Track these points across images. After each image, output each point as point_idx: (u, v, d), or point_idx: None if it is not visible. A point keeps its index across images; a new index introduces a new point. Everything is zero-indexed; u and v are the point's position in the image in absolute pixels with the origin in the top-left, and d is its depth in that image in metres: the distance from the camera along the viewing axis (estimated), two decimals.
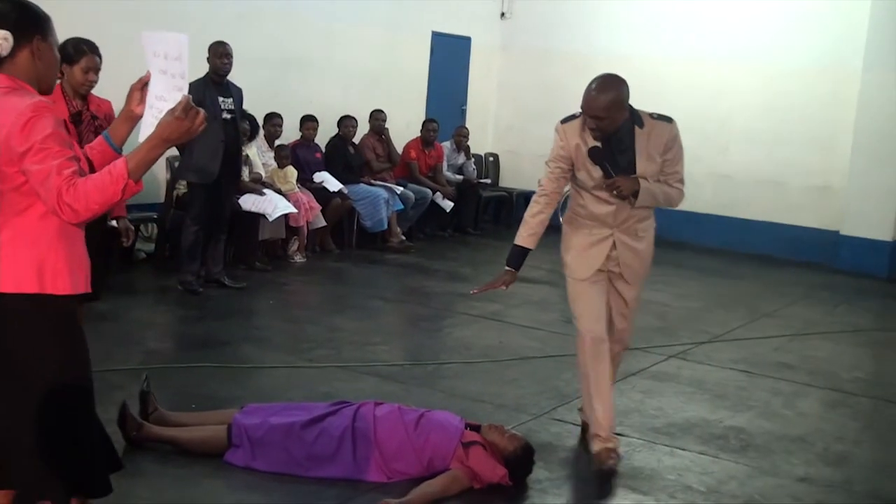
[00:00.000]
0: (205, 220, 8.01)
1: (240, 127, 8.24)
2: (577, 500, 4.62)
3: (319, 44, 11.21)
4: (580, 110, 4.67)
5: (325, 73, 11.27)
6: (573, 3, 13.63)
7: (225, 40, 8.02)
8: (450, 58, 13.41)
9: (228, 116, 7.95)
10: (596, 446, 4.76)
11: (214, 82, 7.91)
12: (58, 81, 5.44)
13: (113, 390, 5.15)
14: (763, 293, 10.15)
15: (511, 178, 14.02)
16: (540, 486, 4.54)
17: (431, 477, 4.32)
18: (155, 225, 9.11)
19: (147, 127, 2.94)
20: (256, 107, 9.21)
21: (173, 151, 8.31)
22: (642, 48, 13.04)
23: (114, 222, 5.72)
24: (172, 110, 2.81)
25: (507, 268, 4.91)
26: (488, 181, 13.32)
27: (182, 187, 8.63)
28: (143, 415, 4.60)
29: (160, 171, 9.30)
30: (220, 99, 7.89)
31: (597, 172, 4.71)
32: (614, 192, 4.65)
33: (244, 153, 8.75)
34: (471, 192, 12.51)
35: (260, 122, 9.59)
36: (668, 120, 4.80)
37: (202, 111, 2.86)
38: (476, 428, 4.58)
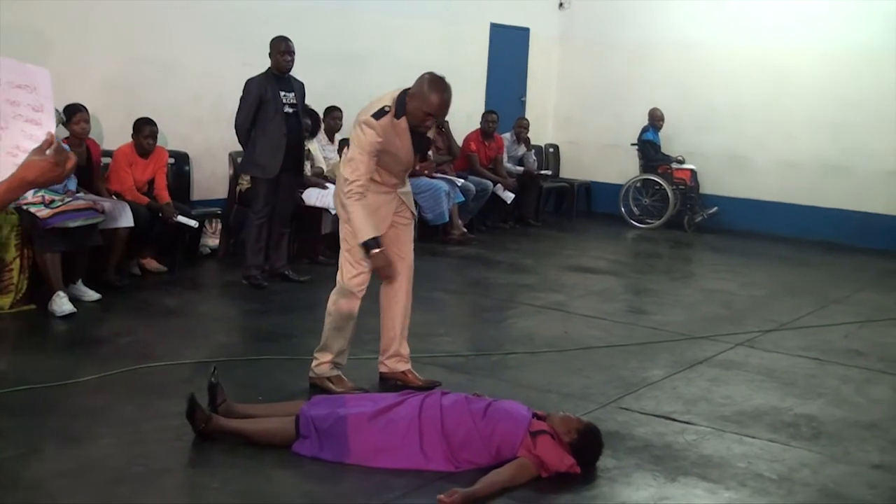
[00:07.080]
0: (268, 214, 8.05)
1: (302, 121, 8.25)
2: (645, 488, 4.58)
3: (378, 38, 11.23)
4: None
5: (385, 67, 11.26)
6: None
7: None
8: (508, 49, 13.36)
9: (290, 110, 7.94)
10: None
11: (276, 77, 7.94)
12: None
13: (182, 383, 5.25)
14: (831, 280, 9.99)
15: (572, 169, 13.91)
16: (608, 475, 4.51)
17: (499, 466, 4.31)
18: (219, 220, 9.18)
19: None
20: (316, 102, 9.24)
21: (236, 146, 8.40)
22: (702, 36, 12.87)
23: (180, 218, 5.71)
24: (39, 149, 2.47)
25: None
26: (549, 172, 13.25)
27: (245, 182, 8.70)
28: (211, 406, 4.63)
29: (222, 167, 9.39)
30: (282, 93, 7.89)
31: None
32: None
33: (306, 148, 8.80)
34: (531, 183, 12.47)
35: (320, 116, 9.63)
36: None
37: (73, 155, 2.51)
38: (543, 418, 4.56)
